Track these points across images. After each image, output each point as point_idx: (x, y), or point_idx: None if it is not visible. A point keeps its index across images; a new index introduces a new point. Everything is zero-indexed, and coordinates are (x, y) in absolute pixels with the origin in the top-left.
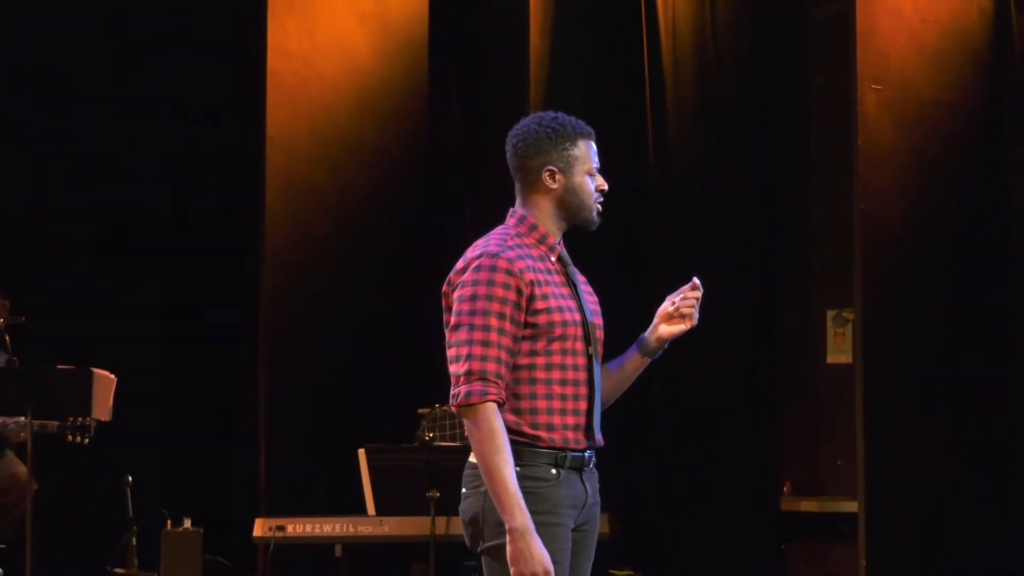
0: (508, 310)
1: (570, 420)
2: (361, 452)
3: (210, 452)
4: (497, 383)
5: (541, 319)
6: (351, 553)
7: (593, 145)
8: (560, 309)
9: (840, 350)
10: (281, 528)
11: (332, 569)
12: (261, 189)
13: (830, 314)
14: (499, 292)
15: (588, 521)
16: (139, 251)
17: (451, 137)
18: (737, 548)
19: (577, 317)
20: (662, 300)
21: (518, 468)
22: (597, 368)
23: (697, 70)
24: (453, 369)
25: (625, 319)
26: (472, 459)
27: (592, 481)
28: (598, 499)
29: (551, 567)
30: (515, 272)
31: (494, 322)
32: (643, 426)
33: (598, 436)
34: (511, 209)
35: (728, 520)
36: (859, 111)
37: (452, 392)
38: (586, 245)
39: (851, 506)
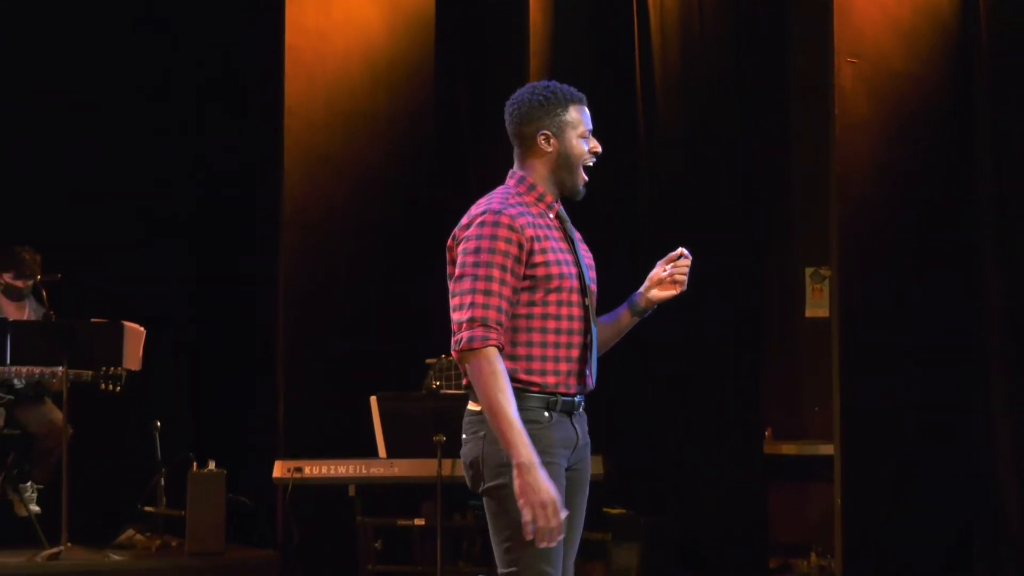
0: (509, 263)
1: (563, 367)
2: (373, 399)
3: (233, 399)
4: (497, 329)
5: (540, 271)
6: (363, 492)
7: (585, 110)
8: (558, 263)
9: (818, 305)
10: (299, 470)
11: (346, 507)
12: (280, 156)
13: (808, 272)
14: (501, 246)
15: (580, 461)
16: (168, 214)
17: (456, 107)
18: (722, 488)
19: (574, 271)
20: (651, 261)
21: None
22: (593, 318)
23: (683, 45)
24: (456, 317)
25: (616, 279)
26: (471, 406)
27: (582, 424)
28: (588, 440)
29: (557, 496)
30: (516, 228)
31: (496, 273)
32: (634, 375)
33: (590, 381)
34: (511, 171)
35: (713, 462)
36: (836, 83)
37: (455, 338)
38: (580, 207)
39: (828, 449)
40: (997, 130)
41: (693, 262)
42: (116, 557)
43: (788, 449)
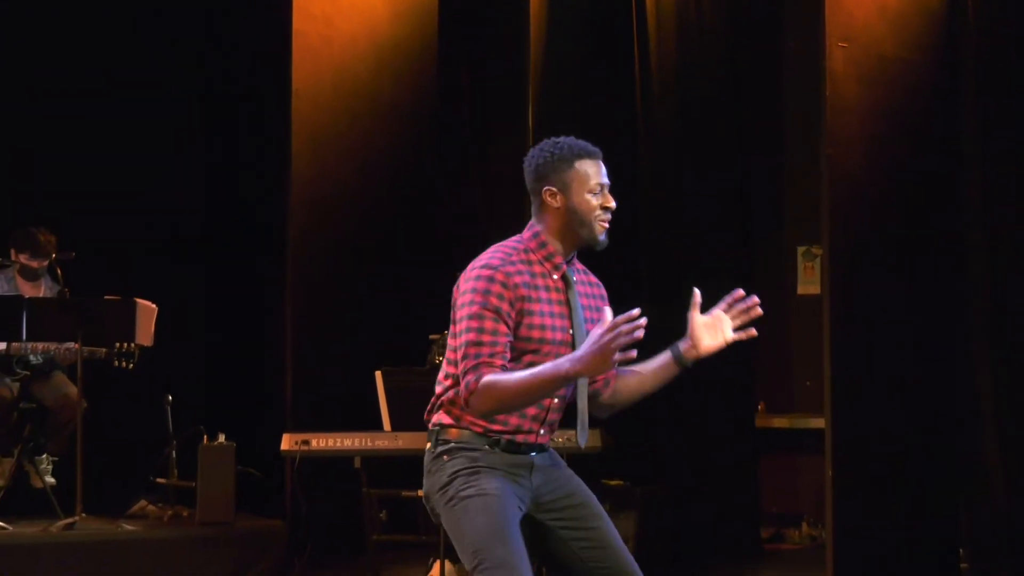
0: (501, 317)
1: (512, 420)
2: (378, 374)
3: (242, 374)
4: (491, 363)
5: (521, 332)
6: (369, 464)
7: (595, 164)
8: (541, 327)
9: (809, 282)
10: (306, 442)
11: (352, 479)
12: (287, 138)
13: (800, 250)
14: (494, 301)
15: (556, 482)
16: (179, 193)
17: (458, 91)
18: (716, 460)
19: (558, 336)
20: (647, 239)
21: (453, 443)
22: (584, 381)
23: (679, 29)
24: (461, 367)
25: (613, 255)
26: (428, 448)
27: (541, 455)
28: (556, 462)
29: (606, 325)
30: (510, 286)
31: (488, 324)
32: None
33: (584, 439)
34: (530, 222)
35: (708, 435)
36: (827, 66)
37: (460, 390)
38: None
39: (819, 423)
40: (984, 112)
41: (688, 238)
42: (129, 527)
43: (780, 422)
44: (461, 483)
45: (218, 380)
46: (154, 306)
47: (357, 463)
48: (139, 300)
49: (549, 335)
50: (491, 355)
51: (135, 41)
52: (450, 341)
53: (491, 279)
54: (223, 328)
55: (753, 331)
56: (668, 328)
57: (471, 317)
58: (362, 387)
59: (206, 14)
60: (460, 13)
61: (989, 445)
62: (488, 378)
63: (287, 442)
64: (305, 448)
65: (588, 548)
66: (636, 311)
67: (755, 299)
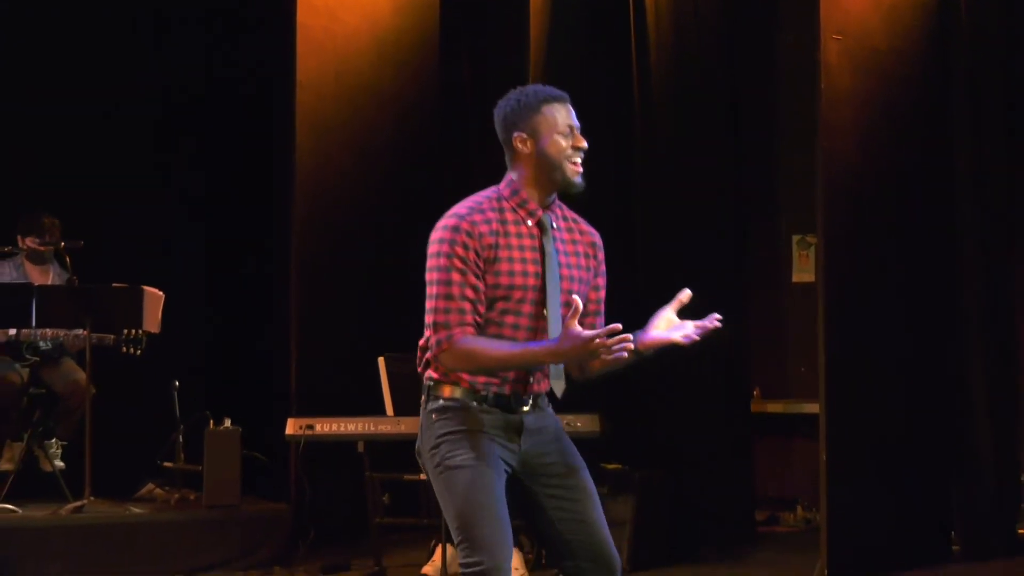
0: (469, 267)
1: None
2: (381, 360)
3: (248, 360)
4: (462, 323)
5: (489, 280)
6: (372, 449)
7: (562, 107)
8: (511, 273)
9: (804, 270)
10: (310, 427)
11: (355, 463)
12: (292, 128)
13: (795, 239)
14: (459, 251)
15: (545, 444)
16: (186, 183)
17: (458, 82)
18: (712, 444)
19: (531, 281)
20: (644, 230)
21: (443, 402)
22: (557, 328)
23: (676, 22)
24: (430, 320)
25: (609, 244)
26: (422, 401)
27: (533, 412)
28: (550, 423)
29: (589, 334)
30: (475, 235)
31: (455, 276)
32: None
33: (534, 387)
34: (507, 172)
35: (704, 420)
36: (822, 58)
37: (431, 343)
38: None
39: (813, 408)
40: (975, 102)
41: (684, 228)
42: (137, 510)
43: (775, 408)
44: (448, 450)
45: (224, 366)
46: (161, 293)
47: (360, 447)
48: (146, 288)
49: (519, 281)
50: (460, 311)
51: (143, 33)
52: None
53: (456, 229)
54: (229, 315)
55: (694, 338)
56: None
57: (439, 269)
58: (365, 373)
59: (213, 6)
60: (461, 6)
61: (981, 429)
62: (463, 341)
63: (292, 427)
64: (309, 433)
65: (566, 520)
66: (618, 326)
67: (714, 317)
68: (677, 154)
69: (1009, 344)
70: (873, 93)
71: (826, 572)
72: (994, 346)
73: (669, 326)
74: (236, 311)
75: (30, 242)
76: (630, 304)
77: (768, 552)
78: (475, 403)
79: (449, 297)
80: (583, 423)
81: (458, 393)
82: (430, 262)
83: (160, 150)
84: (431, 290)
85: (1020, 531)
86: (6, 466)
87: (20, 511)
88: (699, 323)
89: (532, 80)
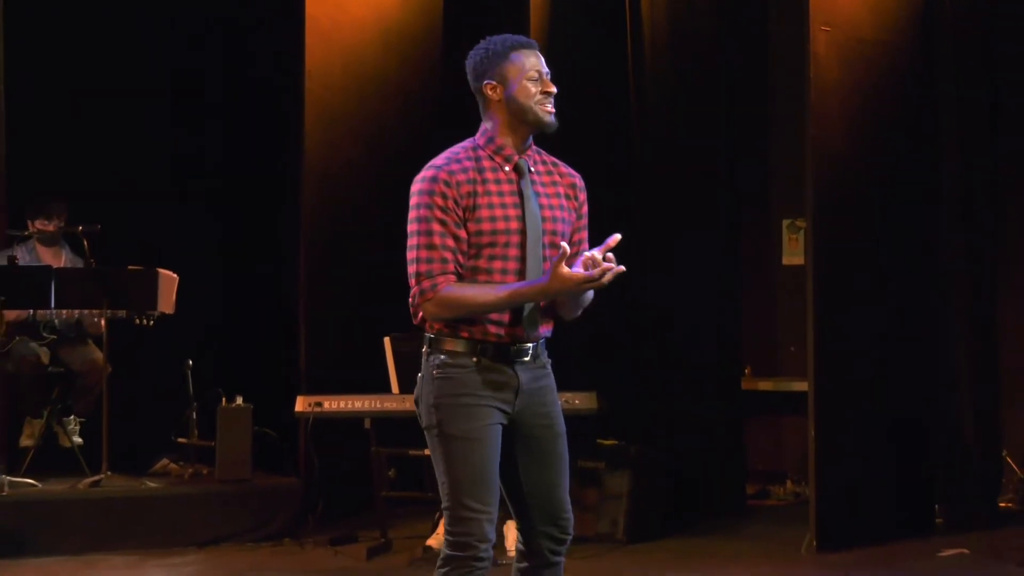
0: (449, 216)
1: (493, 317)
2: (387, 340)
3: (259, 340)
4: (444, 272)
5: (471, 227)
6: (378, 425)
7: (531, 54)
8: (492, 218)
9: (794, 253)
10: (319, 404)
11: (362, 439)
12: (301, 116)
13: (785, 223)
14: (438, 201)
15: (536, 405)
16: (200, 171)
17: (461, 72)
18: (705, 421)
19: (513, 225)
20: (642, 214)
21: (441, 356)
22: (539, 269)
23: (671, 14)
24: (412, 270)
25: (607, 220)
26: (423, 351)
27: (530, 369)
28: (544, 384)
29: (580, 275)
30: (452, 184)
31: (436, 227)
32: (627, 319)
33: (533, 331)
34: (481, 123)
35: (698, 397)
36: (811, 49)
37: (410, 296)
38: (576, 154)
39: (802, 386)
40: (959, 91)
41: (677, 213)
42: (152, 484)
43: (765, 385)
44: (445, 415)
45: (236, 346)
46: (175, 276)
47: (367, 424)
48: (161, 270)
49: (502, 226)
50: (443, 260)
51: (157, 24)
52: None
53: (434, 179)
54: (240, 297)
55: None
56: (662, 295)
57: (420, 220)
58: (371, 352)
59: (224, 2)
60: None
61: (964, 407)
62: (448, 289)
63: (301, 404)
64: (318, 410)
65: (533, 482)
66: (597, 271)
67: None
68: (673, 142)
69: (990, 323)
70: (860, 83)
71: (815, 544)
72: (976, 326)
73: (593, 266)
74: (247, 293)
75: (40, 224)
76: (629, 285)
77: (759, 525)
78: (475, 358)
79: (431, 247)
80: (581, 401)
81: (460, 347)
82: (411, 214)
83: (174, 138)
84: (412, 241)
85: (1001, 504)
86: (27, 442)
87: (40, 485)
88: (608, 266)
89: None
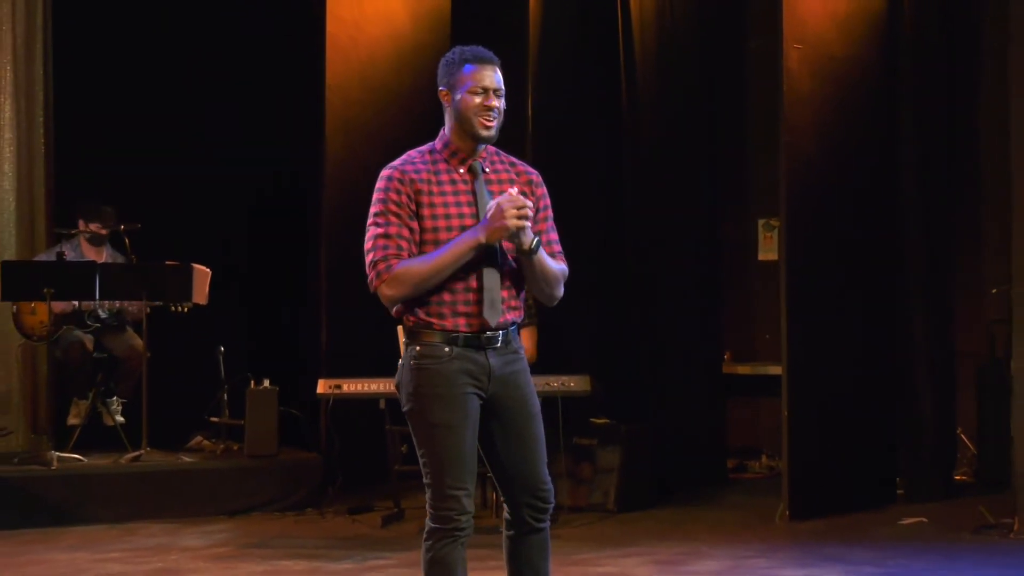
0: (403, 211)
1: (460, 309)
2: (400, 328)
3: (285, 329)
4: (399, 257)
5: (427, 223)
6: (392, 405)
7: (482, 68)
8: (446, 216)
9: (768, 250)
10: (338, 387)
11: (377, 418)
12: (322, 125)
13: (761, 222)
14: (393, 196)
15: (510, 389)
16: (231, 176)
17: None
18: (689, 402)
19: (468, 222)
20: (630, 212)
21: (417, 347)
22: (496, 261)
23: (658, 33)
24: (369, 258)
25: (599, 221)
26: (403, 341)
27: (502, 354)
28: (516, 368)
29: (503, 199)
30: (406, 181)
31: (392, 219)
32: (618, 310)
33: (496, 319)
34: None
35: (682, 380)
36: (784, 65)
37: (368, 280)
38: (566, 167)
39: (776, 370)
40: (918, 102)
41: (663, 213)
42: (187, 459)
43: (744, 369)
44: (425, 405)
45: (263, 334)
46: (208, 270)
47: (382, 404)
48: (195, 265)
49: (456, 222)
50: (398, 248)
51: (193, 42)
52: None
53: (389, 178)
54: (268, 290)
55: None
56: (651, 288)
57: (376, 215)
58: (386, 339)
59: (253, 21)
60: (470, 18)
61: (922, 389)
62: (400, 265)
63: (322, 387)
64: (337, 392)
65: (511, 460)
66: (515, 190)
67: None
68: (660, 149)
69: (947, 314)
70: (829, 95)
71: (787, 513)
72: (934, 316)
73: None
74: (274, 286)
75: (93, 227)
76: (619, 278)
77: (737, 496)
78: (448, 347)
79: (387, 236)
80: (576, 383)
81: (435, 338)
82: (371, 209)
83: (208, 146)
84: (370, 233)
85: (956, 477)
86: (73, 421)
87: (86, 460)
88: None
89: (530, 79)
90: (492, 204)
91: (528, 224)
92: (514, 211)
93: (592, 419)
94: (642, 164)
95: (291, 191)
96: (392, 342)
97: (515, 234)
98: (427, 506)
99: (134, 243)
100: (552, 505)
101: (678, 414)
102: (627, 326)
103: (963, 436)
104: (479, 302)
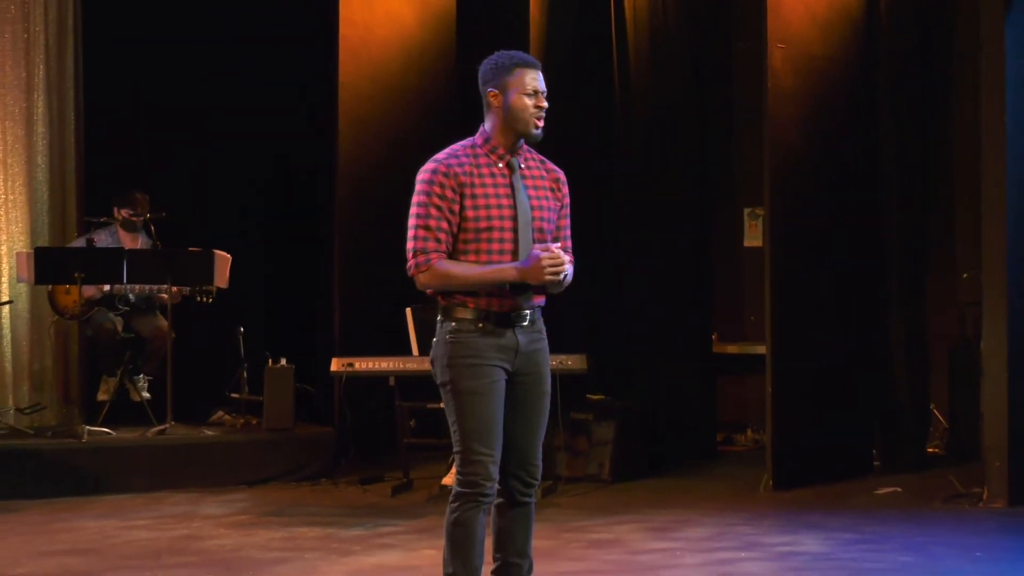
0: (445, 203)
1: (493, 290)
2: (408, 310)
3: (300, 310)
4: (438, 250)
5: (469, 214)
6: (401, 382)
7: (531, 72)
8: (487, 206)
9: (754, 237)
10: (351, 365)
11: (387, 394)
12: (335, 121)
13: (746, 211)
14: (436, 190)
15: (531, 366)
16: (251, 169)
17: (472, 83)
18: (680, 379)
19: (506, 212)
20: (625, 203)
21: (452, 323)
22: (528, 251)
23: (651, 34)
24: (406, 247)
25: (594, 210)
26: (438, 319)
27: (528, 332)
28: (539, 347)
29: (544, 253)
30: (450, 175)
31: (433, 211)
32: (614, 294)
33: (527, 300)
34: (481, 124)
35: (674, 359)
36: (769, 63)
37: (407, 266)
38: (566, 158)
39: (762, 349)
40: (895, 100)
41: (657, 202)
42: (209, 432)
43: (731, 349)
44: (458, 374)
45: (280, 315)
46: (228, 256)
47: (391, 381)
48: (217, 251)
49: (496, 212)
50: (437, 240)
51: (216, 41)
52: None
53: (434, 171)
54: (285, 274)
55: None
56: (645, 273)
57: (420, 204)
58: (395, 320)
59: (272, 23)
60: (474, 21)
61: (898, 367)
62: (440, 264)
63: (335, 365)
64: (350, 369)
65: (515, 431)
66: (557, 246)
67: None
68: (653, 142)
69: (921, 296)
70: (811, 91)
71: (771, 483)
72: (910, 299)
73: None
74: (291, 271)
75: (125, 213)
76: (615, 264)
77: (725, 467)
78: (480, 324)
79: (427, 228)
80: (573, 362)
81: (468, 315)
82: (414, 199)
83: (228, 140)
84: (411, 222)
85: (929, 450)
86: (103, 397)
87: (114, 433)
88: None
89: None
90: (534, 255)
91: (560, 279)
92: (552, 268)
93: (588, 395)
94: (636, 156)
95: (306, 182)
96: (401, 323)
97: (548, 285)
98: (455, 472)
99: (160, 231)
100: (538, 482)
101: (670, 391)
102: (622, 308)
103: (936, 412)
104: (514, 284)
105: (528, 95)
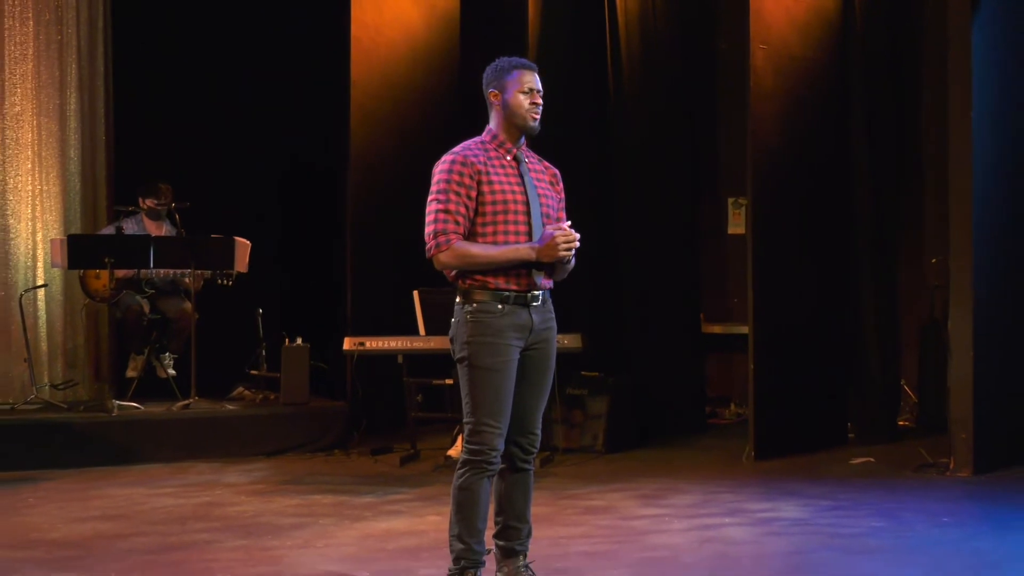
0: (463, 190)
1: (511, 272)
2: (415, 293)
3: (315, 293)
4: (456, 232)
5: (487, 198)
6: (409, 360)
7: (528, 73)
8: (503, 192)
9: (737, 225)
10: (362, 343)
11: (396, 371)
12: (347, 117)
13: (730, 200)
14: (456, 177)
15: (541, 342)
16: (269, 162)
17: (476, 82)
18: (670, 357)
19: (519, 197)
20: (619, 192)
21: (474, 304)
22: (539, 233)
23: (641, 36)
24: (426, 231)
25: (591, 200)
26: (457, 301)
27: (541, 312)
28: (550, 325)
29: (558, 232)
30: (468, 164)
31: (453, 197)
32: (608, 275)
33: (541, 281)
34: (487, 125)
35: (664, 337)
36: (751, 63)
37: (426, 248)
38: (564, 152)
39: (745, 329)
40: (868, 98)
41: (647, 192)
42: (230, 407)
43: (717, 329)
44: (477, 351)
45: (296, 297)
46: (248, 242)
47: (400, 359)
48: (237, 238)
49: (510, 196)
50: (456, 223)
51: (238, 42)
52: (427, 209)
53: (453, 161)
54: (301, 259)
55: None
56: (637, 258)
57: (440, 192)
58: (404, 302)
59: (288, 25)
60: (477, 24)
61: (871, 346)
62: (460, 244)
63: (348, 343)
64: (361, 348)
65: (517, 402)
66: (568, 223)
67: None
68: (645, 136)
69: (893, 280)
70: (790, 90)
71: (753, 454)
72: (882, 282)
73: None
74: (306, 256)
75: (150, 202)
76: (609, 249)
77: (710, 439)
78: (500, 305)
79: (447, 211)
80: (569, 341)
81: (487, 297)
82: (433, 188)
83: (248, 134)
84: (431, 207)
85: (900, 423)
86: (131, 373)
87: (142, 408)
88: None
89: None
90: (547, 234)
91: (572, 255)
92: (565, 244)
93: (583, 372)
94: (628, 149)
95: (321, 174)
96: (409, 305)
97: (562, 260)
98: (463, 441)
99: (184, 219)
100: (536, 450)
101: (660, 368)
102: (615, 291)
103: (906, 387)
104: (528, 267)
105: (524, 93)
